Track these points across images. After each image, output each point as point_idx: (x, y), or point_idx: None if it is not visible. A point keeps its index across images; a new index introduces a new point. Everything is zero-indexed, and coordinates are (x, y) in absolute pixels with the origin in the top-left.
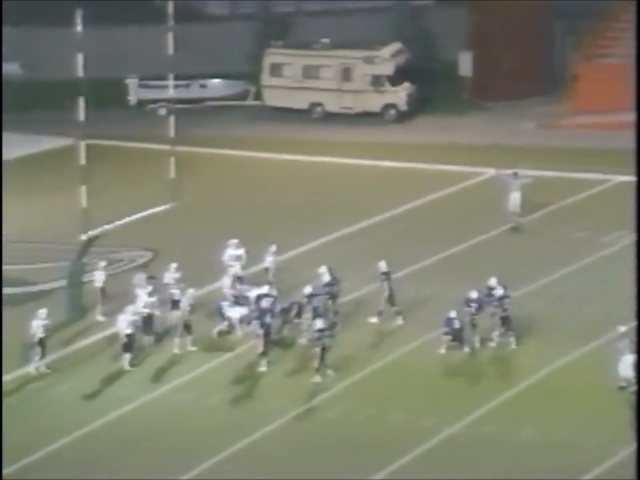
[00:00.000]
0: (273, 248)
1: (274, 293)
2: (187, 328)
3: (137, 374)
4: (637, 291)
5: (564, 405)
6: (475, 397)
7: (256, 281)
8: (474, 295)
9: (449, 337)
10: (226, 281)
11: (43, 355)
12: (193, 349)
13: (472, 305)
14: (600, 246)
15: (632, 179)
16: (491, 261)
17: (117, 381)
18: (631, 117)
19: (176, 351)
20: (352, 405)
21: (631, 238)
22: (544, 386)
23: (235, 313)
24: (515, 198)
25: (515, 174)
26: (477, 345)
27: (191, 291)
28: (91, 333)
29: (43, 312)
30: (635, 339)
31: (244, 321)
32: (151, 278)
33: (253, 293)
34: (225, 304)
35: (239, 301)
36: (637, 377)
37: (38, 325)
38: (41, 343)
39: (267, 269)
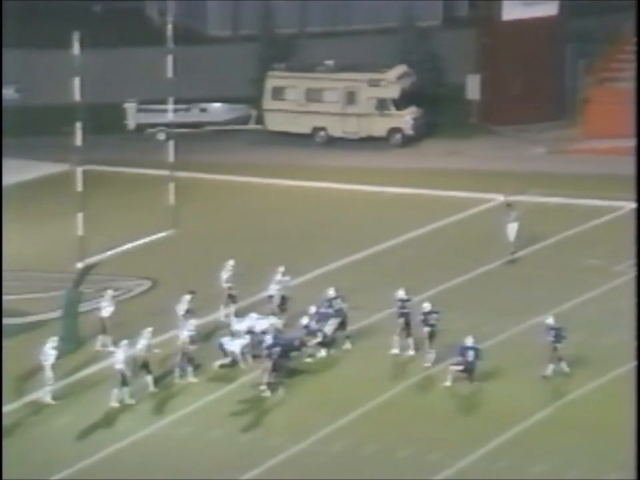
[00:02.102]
0: (279, 276)
1: (279, 321)
2: (189, 359)
3: (136, 407)
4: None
5: (577, 439)
6: (485, 430)
7: (256, 309)
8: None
9: (460, 367)
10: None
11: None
12: (194, 380)
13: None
14: (612, 275)
15: (635, 206)
16: (501, 290)
17: (116, 414)
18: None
19: (177, 380)
20: (358, 438)
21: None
22: (556, 420)
23: (236, 346)
24: (512, 229)
25: (509, 205)
26: None
27: (192, 321)
28: (89, 365)
29: (54, 338)
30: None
31: (245, 352)
32: (188, 312)
33: (244, 324)
34: (225, 340)
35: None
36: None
37: (50, 351)
38: (52, 369)
39: (270, 297)
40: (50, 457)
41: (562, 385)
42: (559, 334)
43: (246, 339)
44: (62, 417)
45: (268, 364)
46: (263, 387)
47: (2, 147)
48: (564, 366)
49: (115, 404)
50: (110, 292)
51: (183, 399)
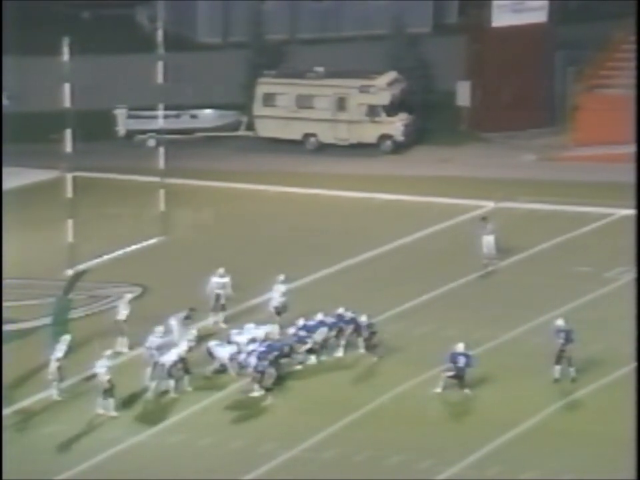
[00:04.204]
0: (280, 284)
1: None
2: (186, 369)
3: (125, 415)
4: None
5: (568, 446)
6: (476, 437)
7: (248, 316)
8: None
9: (451, 373)
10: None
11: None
12: (189, 389)
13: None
14: (603, 281)
15: (634, 212)
16: (491, 297)
17: (106, 422)
18: (633, 149)
19: (172, 394)
20: (349, 445)
21: (634, 273)
22: (547, 427)
23: (224, 352)
24: (487, 241)
25: (484, 218)
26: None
27: (193, 332)
28: (79, 372)
29: (66, 337)
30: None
31: (234, 359)
32: (187, 318)
33: (244, 337)
34: (213, 344)
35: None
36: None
37: (61, 347)
38: (60, 369)
39: (275, 307)
40: (37, 466)
41: (553, 391)
42: (568, 336)
43: (234, 346)
44: (51, 424)
45: (257, 371)
46: (256, 394)
47: (2, 154)
48: (572, 371)
49: (100, 411)
50: (128, 295)
51: (173, 407)
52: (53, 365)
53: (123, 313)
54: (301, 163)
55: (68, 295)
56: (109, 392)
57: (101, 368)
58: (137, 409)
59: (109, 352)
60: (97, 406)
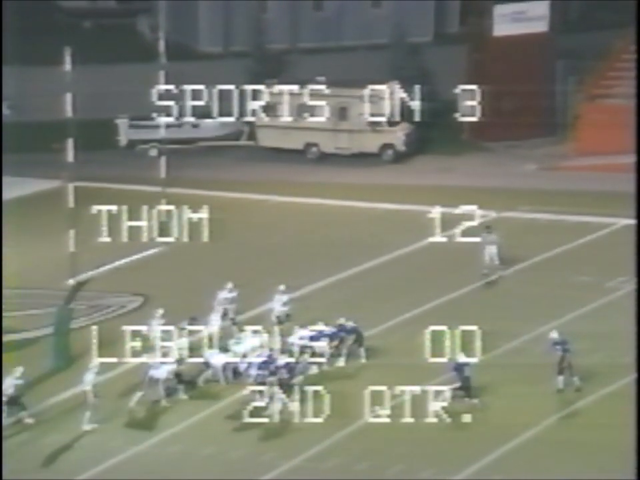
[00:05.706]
0: (281, 294)
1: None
2: (178, 376)
3: (124, 425)
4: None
5: (568, 457)
6: (477, 447)
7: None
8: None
9: (458, 385)
10: (214, 323)
11: (19, 410)
12: (185, 397)
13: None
14: (604, 291)
15: (635, 222)
16: (492, 306)
17: (105, 432)
18: (633, 159)
19: (163, 402)
20: (350, 455)
21: (635, 283)
22: (547, 437)
23: (219, 360)
24: (490, 251)
25: (488, 227)
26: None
27: (184, 340)
28: (79, 382)
29: (18, 370)
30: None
31: (227, 368)
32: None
33: (242, 347)
34: (208, 353)
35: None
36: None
37: (11, 383)
38: (12, 400)
39: (277, 317)
40: (36, 476)
41: (556, 401)
42: (565, 347)
43: (229, 354)
44: (50, 434)
45: (258, 382)
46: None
47: (2, 163)
48: (576, 380)
49: (87, 427)
50: (160, 311)
51: (173, 417)
52: (4, 399)
53: (156, 330)
54: (302, 173)
55: (69, 305)
56: (95, 405)
57: (88, 382)
58: (135, 419)
59: (96, 362)
60: (84, 422)
